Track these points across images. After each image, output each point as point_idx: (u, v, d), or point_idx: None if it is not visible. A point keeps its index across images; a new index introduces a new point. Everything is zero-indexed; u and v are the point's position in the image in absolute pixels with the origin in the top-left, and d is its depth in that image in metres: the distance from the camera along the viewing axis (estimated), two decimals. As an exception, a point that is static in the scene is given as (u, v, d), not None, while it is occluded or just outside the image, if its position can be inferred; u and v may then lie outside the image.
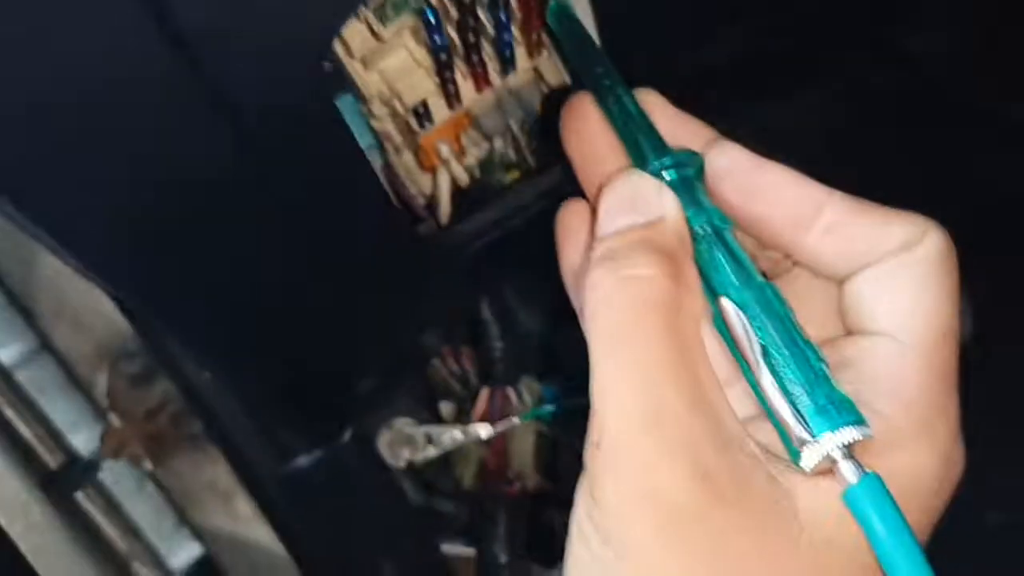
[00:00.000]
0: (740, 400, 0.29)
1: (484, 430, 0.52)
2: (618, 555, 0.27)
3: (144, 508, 0.68)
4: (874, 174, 0.33)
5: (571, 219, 0.38)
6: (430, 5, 0.40)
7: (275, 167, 0.35)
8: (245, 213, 0.36)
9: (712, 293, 0.29)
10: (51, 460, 0.61)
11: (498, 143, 0.55)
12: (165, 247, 0.34)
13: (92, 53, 0.27)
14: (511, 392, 0.58)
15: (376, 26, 0.41)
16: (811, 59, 0.49)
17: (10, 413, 0.60)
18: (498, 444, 0.59)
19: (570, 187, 0.51)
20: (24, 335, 0.65)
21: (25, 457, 0.50)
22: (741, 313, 0.28)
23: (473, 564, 0.60)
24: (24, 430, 0.60)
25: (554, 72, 0.53)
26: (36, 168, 0.29)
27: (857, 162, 0.33)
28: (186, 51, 0.29)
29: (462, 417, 0.60)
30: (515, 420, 0.53)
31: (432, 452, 0.54)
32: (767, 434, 0.28)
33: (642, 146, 0.33)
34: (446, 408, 0.59)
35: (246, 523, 0.57)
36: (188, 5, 0.28)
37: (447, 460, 0.59)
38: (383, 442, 0.54)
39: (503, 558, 0.58)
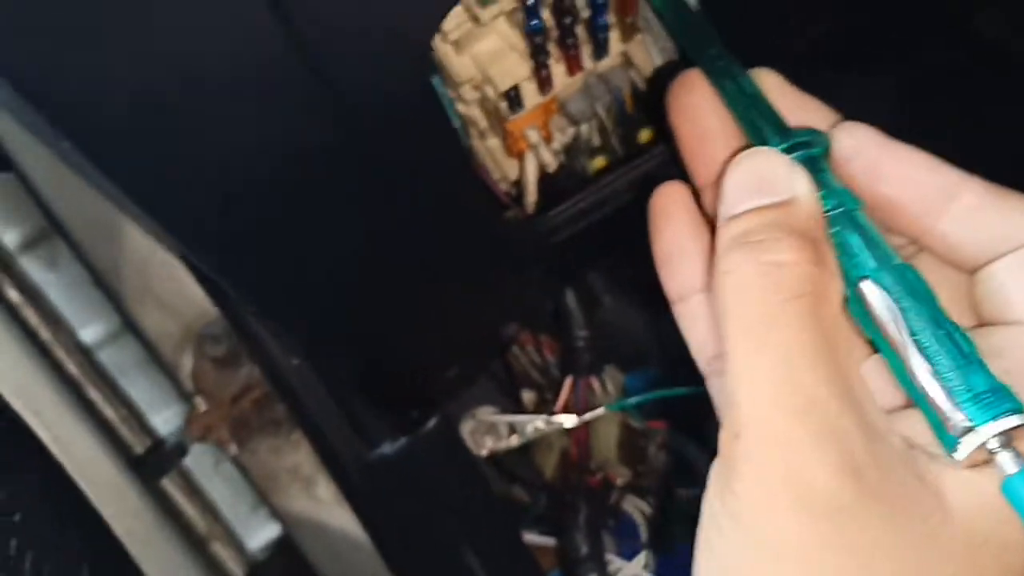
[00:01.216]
0: (878, 391, 0.28)
1: (569, 420, 0.51)
2: (758, 545, 0.26)
3: (221, 489, 0.68)
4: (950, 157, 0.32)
5: (667, 202, 0.37)
6: (524, -17, 0.40)
7: (377, 151, 0.34)
8: (344, 197, 0.35)
9: (846, 277, 0.28)
10: (134, 442, 0.62)
11: (584, 128, 0.55)
12: (266, 231, 0.34)
13: (205, 34, 0.27)
14: (595, 382, 0.57)
15: (475, 8, 0.40)
16: (889, 40, 0.47)
17: (94, 394, 0.61)
18: (581, 434, 0.58)
19: (673, 168, 0.50)
20: (107, 315, 0.66)
21: (112, 439, 0.51)
22: (887, 296, 0.26)
23: (553, 554, 0.60)
24: (108, 411, 0.61)
25: (644, 57, 0.52)
26: (147, 150, 0.29)
27: (932, 145, 0.32)
28: (294, 31, 0.28)
29: (542, 405, 0.60)
30: (601, 410, 0.52)
31: (515, 442, 0.53)
32: (908, 426, 0.27)
33: (761, 127, 0.32)
34: (527, 396, 0.58)
35: (327, 507, 0.57)
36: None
37: (528, 449, 0.59)
38: (466, 430, 0.54)
39: (584, 549, 0.58)
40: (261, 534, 0.69)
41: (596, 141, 0.57)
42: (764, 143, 0.32)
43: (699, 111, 0.36)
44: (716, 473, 0.28)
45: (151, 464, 0.55)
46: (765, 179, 0.30)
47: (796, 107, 0.34)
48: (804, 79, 0.36)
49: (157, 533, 0.50)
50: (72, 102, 0.26)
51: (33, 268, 0.62)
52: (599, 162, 0.59)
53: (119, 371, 0.66)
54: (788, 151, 0.31)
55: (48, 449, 0.44)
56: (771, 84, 0.34)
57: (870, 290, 0.27)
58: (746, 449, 0.26)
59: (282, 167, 0.32)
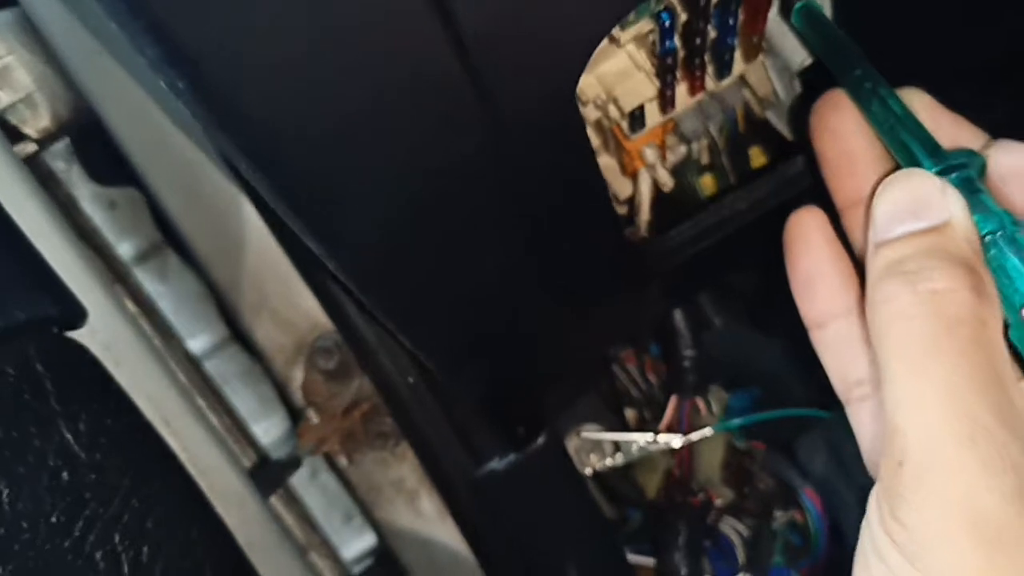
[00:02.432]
0: None
1: (676, 440, 0.51)
2: (924, 575, 0.26)
3: (318, 500, 0.69)
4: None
5: (804, 228, 0.37)
6: (667, 9, 0.40)
7: (522, 168, 0.35)
8: (486, 213, 0.36)
9: (1006, 301, 0.28)
10: (240, 452, 0.63)
11: (694, 146, 0.55)
12: (410, 248, 0.35)
13: (376, 47, 0.27)
14: (700, 402, 0.57)
15: (614, 30, 0.41)
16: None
17: (202, 403, 0.62)
18: (684, 454, 0.58)
19: (791, 190, 0.50)
20: (213, 327, 0.68)
21: (228, 449, 0.52)
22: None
23: (650, 573, 0.60)
24: (215, 421, 0.62)
25: (761, 77, 0.52)
26: (305, 158, 0.30)
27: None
28: (462, 50, 0.29)
29: (642, 423, 0.60)
30: (708, 431, 0.52)
31: (620, 460, 0.53)
32: None
33: (912, 148, 0.32)
34: (628, 414, 0.58)
35: (430, 522, 0.58)
36: (472, 7, 0.28)
37: (629, 468, 0.59)
38: (570, 448, 0.54)
39: (683, 570, 0.57)
40: (354, 545, 0.69)
41: (705, 159, 0.58)
42: (915, 164, 0.32)
43: (845, 132, 0.35)
44: (878, 500, 0.28)
45: (266, 475, 0.56)
46: (918, 202, 0.30)
47: (947, 128, 0.34)
48: (951, 98, 0.35)
49: (273, 543, 0.51)
50: (251, 121, 0.27)
51: (146, 280, 0.64)
52: (707, 180, 0.59)
53: (223, 381, 0.67)
54: (941, 173, 0.31)
55: (178, 458, 0.45)
56: (920, 104, 0.34)
57: (1035, 315, 0.27)
58: (913, 477, 0.26)
59: (431, 183, 0.33)
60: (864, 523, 0.29)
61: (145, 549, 0.43)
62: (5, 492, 0.39)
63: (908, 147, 0.33)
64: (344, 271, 0.34)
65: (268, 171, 0.29)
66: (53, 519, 0.40)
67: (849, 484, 0.71)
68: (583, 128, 0.38)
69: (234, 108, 0.27)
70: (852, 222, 0.36)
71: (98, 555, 0.41)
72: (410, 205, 0.33)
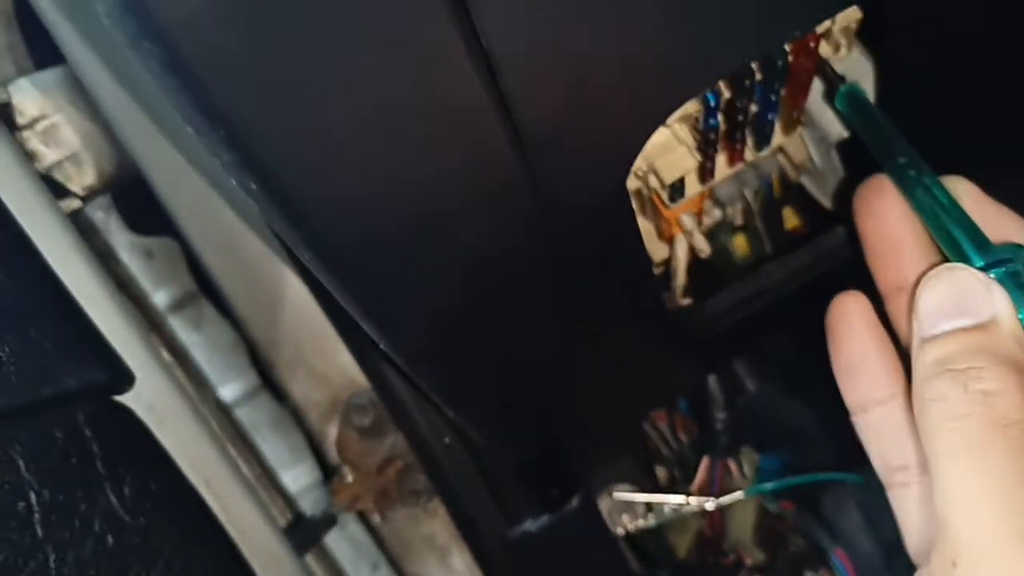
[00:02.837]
0: None
1: (709, 503, 0.51)
2: None
3: (346, 551, 0.69)
4: None
5: (847, 313, 0.37)
6: (712, 89, 0.41)
7: (572, 247, 0.35)
8: (533, 291, 0.37)
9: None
10: (270, 502, 0.63)
11: (729, 210, 0.55)
12: (455, 324, 0.35)
13: (439, 146, 0.28)
14: (731, 463, 0.57)
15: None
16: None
17: (233, 453, 0.63)
18: (715, 515, 0.58)
19: (830, 261, 0.50)
20: (243, 375, 0.68)
21: (263, 505, 0.52)
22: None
23: (681, 634, 0.60)
24: (246, 470, 0.63)
25: (798, 147, 0.52)
26: (367, 253, 0.30)
27: None
28: (519, 146, 0.30)
29: (673, 482, 0.60)
30: (740, 495, 0.52)
31: (652, 521, 0.53)
32: None
33: (959, 240, 0.32)
34: (659, 472, 0.58)
35: (461, 579, 0.58)
36: (530, 105, 0.29)
37: (660, 528, 0.59)
38: (603, 508, 0.54)
39: (714, 631, 0.58)
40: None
41: (739, 221, 0.58)
42: (961, 256, 0.32)
43: (888, 218, 0.36)
44: None
45: (301, 532, 0.56)
46: (963, 299, 0.30)
47: (992, 219, 0.34)
48: (997, 189, 0.36)
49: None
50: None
51: (180, 329, 0.64)
52: (740, 240, 0.59)
53: (253, 429, 0.67)
54: (987, 267, 0.31)
55: (218, 519, 0.45)
56: (965, 193, 0.34)
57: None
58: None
59: (482, 268, 0.33)
60: None
61: (186, 612, 0.43)
62: (52, 557, 0.40)
63: (953, 238, 0.33)
64: (394, 349, 0.35)
65: (330, 263, 0.30)
66: (98, 583, 0.41)
67: (875, 539, 0.71)
68: (631, 211, 0.38)
69: (303, 208, 0.27)
70: (896, 307, 0.36)
71: (141, 619, 0.42)
72: (461, 289, 0.34)
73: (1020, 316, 0.30)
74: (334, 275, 0.30)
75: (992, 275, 0.31)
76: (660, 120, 0.33)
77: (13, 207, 0.45)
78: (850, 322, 0.36)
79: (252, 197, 0.28)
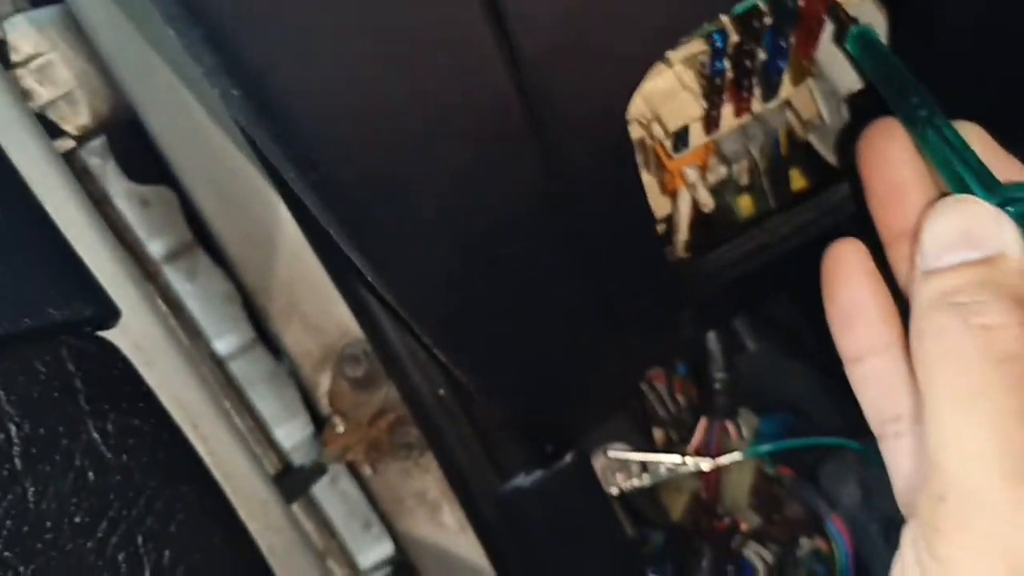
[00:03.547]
0: None
1: (705, 463, 0.50)
2: None
3: (337, 507, 0.69)
4: None
5: (843, 261, 0.36)
6: (720, 30, 0.39)
7: (572, 187, 0.34)
8: (531, 233, 0.36)
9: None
10: (263, 455, 0.63)
11: (735, 167, 0.54)
12: (452, 265, 0.34)
13: (431, 64, 0.27)
14: (729, 425, 0.56)
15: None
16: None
17: (227, 405, 0.62)
18: (712, 477, 0.57)
19: (833, 217, 0.49)
20: (240, 328, 0.67)
21: (252, 454, 0.52)
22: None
23: (674, 598, 0.59)
24: (239, 423, 0.62)
25: (806, 101, 0.51)
26: (355, 174, 0.29)
27: None
28: (517, 70, 0.28)
29: (670, 444, 0.59)
30: (738, 455, 0.51)
31: (647, 481, 0.53)
32: None
33: (968, 179, 0.31)
34: (655, 434, 0.58)
35: (451, 534, 0.57)
36: (529, 26, 0.28)
37: (655, 488, 0.58)
38: (597, 466, 0.54)
39: (706, 594, 0.57)
40: (372, 553, 0.69)
41: (745, 180, 0.57)
42: (969, 194, 0.31)
43: (895, 160, 0.35)
44: (915, 535, 0.28)
45: (290, 481, 0.55)
46: (971, 230, 0.29)
47: (1000, 165, 0.33)
48: (1003, 136, 0.35)
49: (295, 550, 0.51)
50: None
51: (175, 279, 0.64)
52: (745, 201, 0.58)
53: (247, 383, 0.67)
54: (997, 205, 0.30)
55: (204, 462, 0.45)
56: (975, 137, 0.33)
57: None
58: (953, 514, 0.26)
59: (479, 204, 0.32)
60: (897, 559, 0.29)
61: (167, 552, 0.43)
62: (31, 490, 0.39)
63: (963, 179, 0.32)
64: (390, 292, 0.34)
65: (316, 183, 0.29)
66: (77, 519, 0.40)
67: (873, 515, 0.70)
68: (631, 148, 0.37)
69: (286, 120, 0.26)
70: (897, 255, 0.35)
71: (120, 557, 0.41)
72: (459, 232, 0.33)
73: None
74: (325, 205, 0.29)
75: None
76: (663, 47, 0.32)
77: (5, 141, 0.44)
78: (846, 269, 0.35)
79: (234, 108, 0.27)
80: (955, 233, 0.29)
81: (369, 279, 0.34)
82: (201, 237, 0.65)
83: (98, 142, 0.61)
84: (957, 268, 0.29)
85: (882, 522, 0.69)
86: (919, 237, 0.30)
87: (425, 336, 0.36)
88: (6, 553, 0.38)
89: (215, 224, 0.55)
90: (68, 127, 0.54)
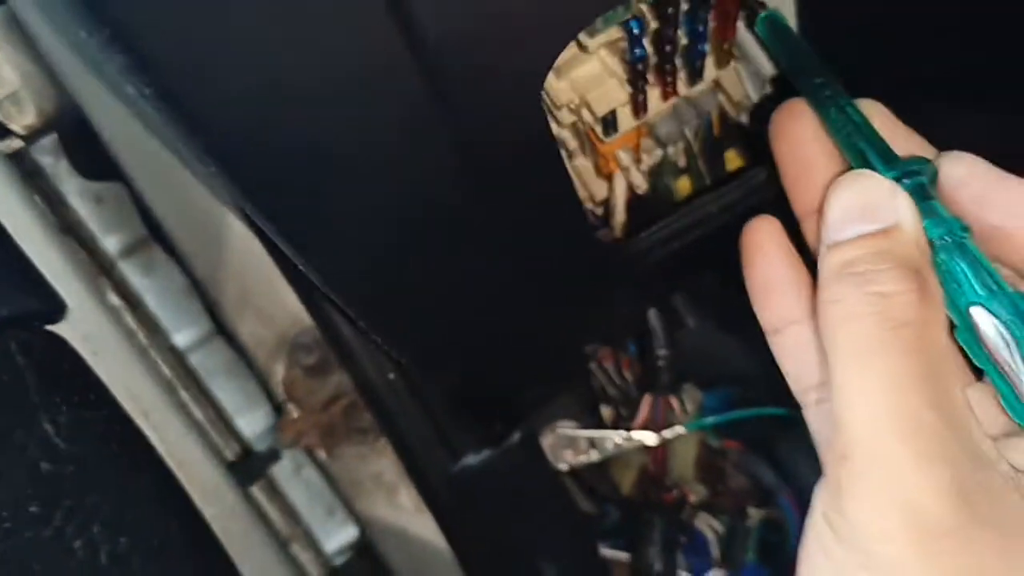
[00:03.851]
0: (985, 418, 0.28)
1: (650, 438, 0.52)
2: (864, 567, 0.27)
3: (300, 493, 0.70)
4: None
5: (760, 236, 0.38)
6: (636, 17, 0.41)
7: (491, 170, 0.36)
8: (457, 216, 0.37)
9: (952, 304, 0.29)
10: (223, 444, 0.64)
11: (670, 150, 0.56)
12: (388, 255, 0.36)
13: (333, 50, 0.28)
14: (673, 400, 0.58)
15: (583, 36, 0.41)
16: (996, 74, 0.47)
17: (186, 396, 0.63)
18: (659, 451, 0.59)
19: (762, 193, 0.51)
20: (198, 321, 0.68)
21: (208, 442, 0.53)
22: (998, 322, 0.27)
23: (625, 568, 0.61)
24: (198, 413, 0.63)
25: (735, 82, 0.53)
26: (264, 158, 0.30)
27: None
28: (425, 58, 0.30)
29: (618, 421, 0.60)
30: (681, 429, 0.53)
31: (595, 457, 0.54)
32: (1017, 453, 0.27)
33: (867, 154, 0.33)
34: (604, 412, 0.59)
35: (408, 515, 0.58)
36: (432, 13, 0.29)
37: (605, 464, 0.60)
38: (546, 444, 0.55)
39: (657, 565, 0.58)
40: (336, 538, 0.70)
41: (681, 162, 0.58)
42: (871, 170, 0.33)
43: (802, 139, 0.36)
44: (823, 493, 0.29)
45: (246, 467, 0.56)
46: (868, 204, 0.31)
47: (900, 139, 0.34)
48: (904, 112, 0.36)
49: (253, 535, 0.52)
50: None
51: (131, 274, 0.65)
52: (683, 183, 0.60)
53: (207, 374, 0.68)
54: (895, 179, 0.32)
55: (156, 450, 0.46)
56: (877, 115, 0.35)
57: (981, 317, 0.28)
58: (854, 471, 0.27)
59: (397, 187, 0.33)
60: (809, 517, 0.30)
61: (123, 540, 0.44)
62: (-15, 482, 0.40)
63: (864, 154, 0.33)
64: (312, 270, 0.35)
65: (233, 173, 0.30)
66: (33, 508, 0.41)
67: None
68: (548, 132, 0.38)
69: (195, 111, 0.27)
70: (810, 229, 0.37)
71: (76, 545, 0.42)
72: (379, 209, 0.34)
73: (925, 224, 0.30)
74: (245, 197, 0.30)
75: (898, 185, 0.31)
76: (570, 32, 0.34)
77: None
78: (762, 244, 0.37)
79: (150, 104, 0.28)
80: (854, 207, 0.31)
81: (301, 267, 0.36)
82: (154, 232, 0.66)
83: (49, 141, 0.62)
84: (856, 240, 0.30)
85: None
86: (823, 212, 0.32)
87: (360, 321, 0.38)
88: (-39, 543, 0.39)
89: (165, 219, 0.56)
90: (15, 126, 0.55)
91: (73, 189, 0.64)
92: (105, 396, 0.45)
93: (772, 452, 0.69)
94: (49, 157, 0.63)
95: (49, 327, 0.44)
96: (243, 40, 0.26)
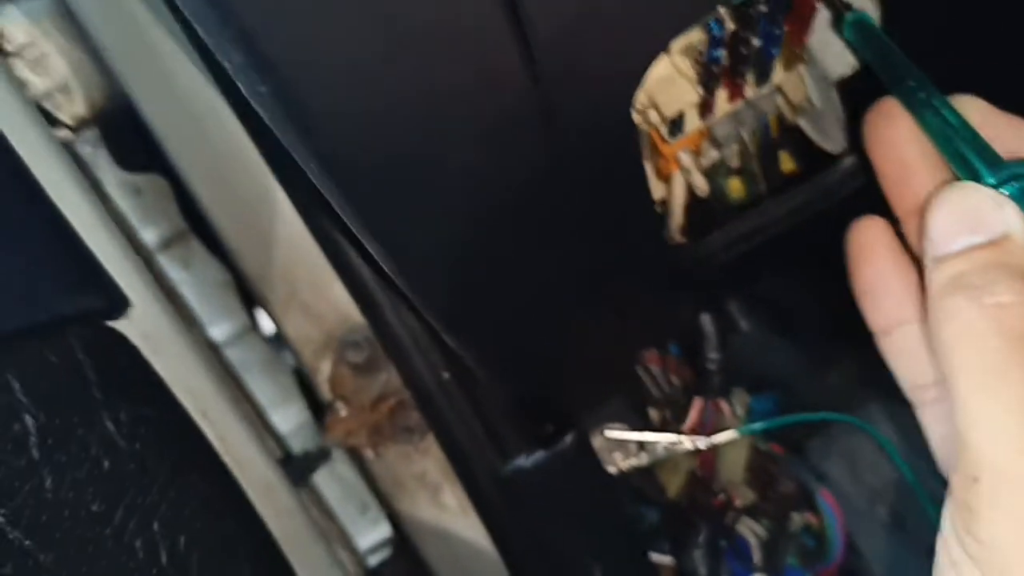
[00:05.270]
0: None
1: (701, 442, 0.52)
2: None
3: (335, 491, 0.70)
4: None
5: (867, 238, 0.37)
6: (717, 20, 0.40)
7: (578, 172, 0.35)
8: (538, 216, 0.36)
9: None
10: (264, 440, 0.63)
11: (726, 151, 0.55)
12: (460, 246, 0.35)
13: (448, 53, 0.28)
14: (723, 404, 0.57)
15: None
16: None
17: (235, 393, 0.62)
18: (707, 455, 0.59)
19: (825, 200, 0.51)
20: (233, 315, 0.68)
21: (261, 440, 0.52)
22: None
23: (671, 573, 0.60)
24: (244, 411, 0.62)
25: (796, 85, 0.52)
26: (373, 160, 0.30)
27: None
28: (531, 57, 0.29)
29: (665, 424, 0.60)
30: (733, 434, 0.53)
31: (644, 460, 0.54)
32: None
33: (969, 158, 0.32)
34: (652, 414, 0.59)
35: (452, 515, 0.58)
36: (543, 15, 0.28)
37: (652, 467, 0.59)
38: (595, 446, 0.55)
39: (702, 569, 0.58)
40: (370, 535, 0.70)
41: (735, 163, 0.58)
42: (973, 175, 0.32)
43: (898, 142, 0.35)
44: (953, 516, 0.28)
45: (297, 465, 0.56)
46: (973, 216, 0.30)
47: (1005, 132, 0.33)
48: (1009, 103, 0.35)
49: (305, 534, 0.52)
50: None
51: (169, 267, 0.64)
52: (735, 184, 0.59)
53: (243, 369, 0.67)
54: (1000, 183, 0.31)
55: (214, 448, 0.45)
56: (976, 110, 0.34)
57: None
58: (986, 495, 0.27)
59: (487, 187, 0.33)
60: (939, 539, 0.29)
61: (183, 538, 0.43)
62: (48, 480, 0.40)
63: (964, 157, 0.33)
64: (399, 272, 0.34)
65: (336, 173, 0.30)
66: (94, 507, 0.41)
67: (859, 488, 0.72)
68: (636, 134, 0.38)
69: (310, 114, 0.27)
70: (912, 230, 0.36)
71: (137, 543, 0.42)
72: (468, 212, 0.33)
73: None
74: (340, 190, 0.30)
75: (1005, 192, 0.31)
76: (670, 35, 0.33)
77: (7, 130, 0.44)
78: (870, 245, 0.36)
79: (260, 103, 0.27)
80: (958, 221, 0.30)
81: (381, 264, 0.35)
82: (197, 226, 0.65)
83: (91, 133, 0.61)
84: (964, 253, 0.29)
85: (868, 495, 0.71)
86: (925, 226, 0.31)
87: (432, 317, 0.37)
88: (27, 542, 0.38)
89: (212, 212, 0.56)
90: (64, 117, 0.54)
91: (112, 180, 0.63)
92: (164, 394, 0.44)
93: (803, 452, 0.69)
94: (88, 147, 0.63)
95: (110, 323, 0.43)
96: (358, 40, 0.26)
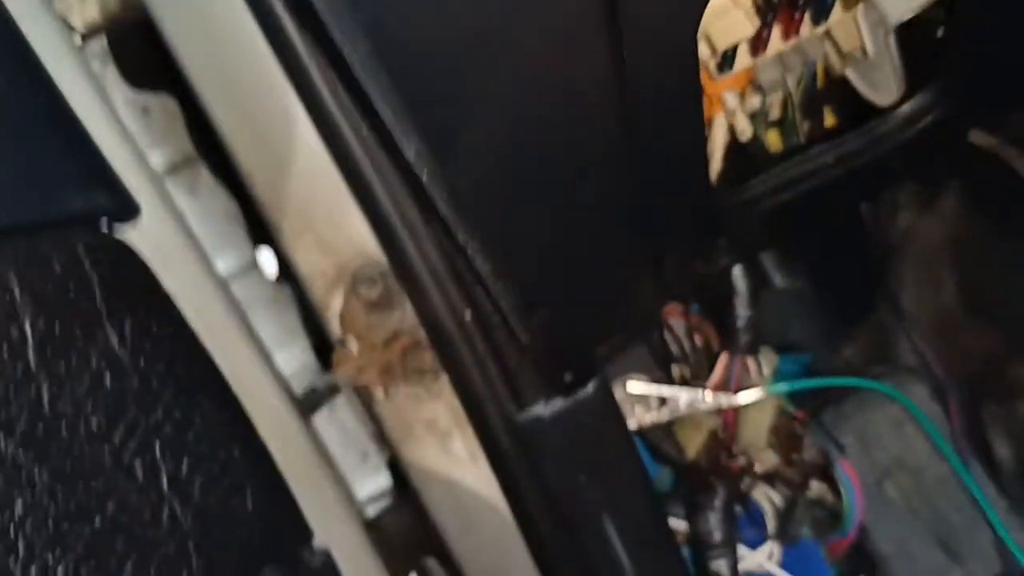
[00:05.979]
0: None
1: (729, 399, 0.49)
2: None
3: (335, 436, 0.67)
4: None
5: None
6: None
7: (639, 105, 0.33)
8: (592, 147, 0.34)
9: None
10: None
11: (768, 99, 0.53)
12: (509, 151, 0.33)
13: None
14: (751, 362, 0.55)
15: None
16: None
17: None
18: (730, 415, 0.56)
19: (877, 151, 0.48)
20: (239, 247, 0.65)
21: (269, 370, 0.50)
22: None
23: (683, 536, 0.58)
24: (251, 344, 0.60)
25: (849, 30, 0.50)
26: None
27: None
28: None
29: (684, 382, 0.58)
30: (762, 391, 0.50)
31: (666, 415, 0.52)
32: None
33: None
34: (675, 370, 0.56)
35: (462, 464, 0.56)
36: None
37: (671, 425, 0.57)
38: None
39: (717, 535, 0.56)
40: (369, 484, 0.68)
41: (776, 114, 0.56)
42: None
43: None
44: None
45: (308, 398, 0.54)
46: None
47: None
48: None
49: (313, 466, 0.49)
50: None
51: (176, 192, 0.61)
52: (773, 136, 0.57)
53: (247, 305, 0.65)
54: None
55: (221, 372, 0.43)
56: None
57: None
58: None
59: (547, 110, 0.31)
60: None
61: (185, 462, 0.41)
62: (45, 391, 0.37)
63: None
64: (445, 178, 0.32)
65: (394, 61, 0.27)
66: (93, 423, 0.38)
67: (869, 465, 0.70)
68: (698, 64, 0.36)
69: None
70: None
71: (137, 464, 0.39)
72: (522, 128, 0.31)
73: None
74: (422, 128, 0.27)
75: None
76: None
77: (26, 28, 0.41)
78: None
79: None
80: None
81: (442, 201, 0.33)
82: (207, 152, 0.62)
83: (98, 45, 0.58)
84: None
85: (877, 473, 0.69)
86: None
87: (479, 243, 0.35)
88: (20, 454, 0.36)
89: (227, 133, 0.53)
90: (75, 21, 0.51)
91: (120, 98, 0.60)
92: (172, 311, 0.42)
93: (828, 423, 0.67)
94: (97, 62, 0.60)
95: (118, 234, 0.40)
96: None
